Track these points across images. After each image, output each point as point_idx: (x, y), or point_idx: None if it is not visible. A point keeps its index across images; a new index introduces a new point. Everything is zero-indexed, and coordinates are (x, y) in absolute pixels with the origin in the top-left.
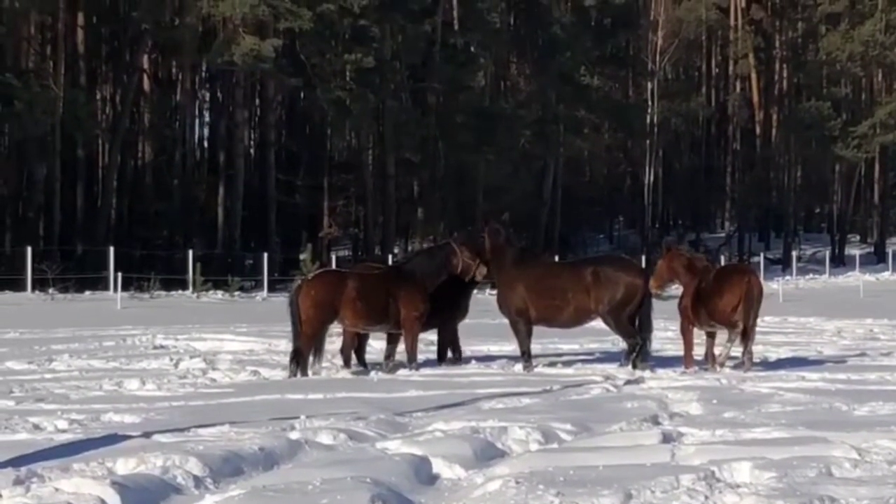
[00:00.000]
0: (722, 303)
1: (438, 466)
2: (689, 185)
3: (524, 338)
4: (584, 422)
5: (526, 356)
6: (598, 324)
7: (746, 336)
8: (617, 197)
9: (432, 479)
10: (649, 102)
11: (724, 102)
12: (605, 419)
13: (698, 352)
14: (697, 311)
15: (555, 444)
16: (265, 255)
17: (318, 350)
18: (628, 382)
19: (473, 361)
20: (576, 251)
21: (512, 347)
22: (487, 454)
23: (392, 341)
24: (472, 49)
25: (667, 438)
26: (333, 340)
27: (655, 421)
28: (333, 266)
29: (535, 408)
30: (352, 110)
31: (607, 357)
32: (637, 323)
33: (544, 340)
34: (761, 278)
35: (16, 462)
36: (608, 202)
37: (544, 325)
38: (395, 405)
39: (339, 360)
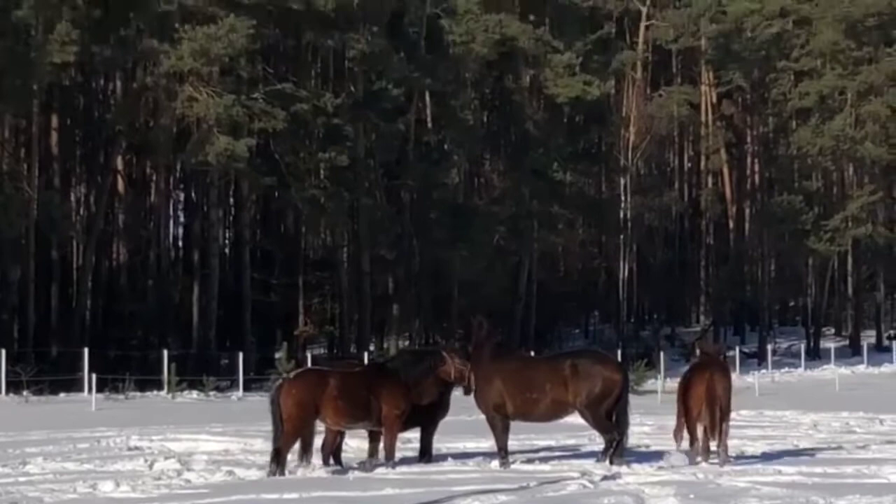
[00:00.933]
0: (688, 397)
1: None
2: (663, 280)
3: (501, 433)
4: None
5: (502, 452)
6: (574, 418)
7: (717, 430)
8: (592, 291)
9: None
10: (623, 197)
11: (697, 197)
12: None
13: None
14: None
15: None
16: (240, 354)
17: (306, 448)
18: (605, 478)
19: (450, 459)
20: (551, 346)
21: (489, 444)
22: None
23: (374, 439)
24: (446, 146)
25: None
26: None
27: None
28: (309, 364)
29: None
30: (326, 208)
31: (584, 453)
32: (614, 418)
33: (521, 436)
34: (735, 371)
35: None
36: (583, 297)
37: (521, 419)
38: None
39: (316, 459)
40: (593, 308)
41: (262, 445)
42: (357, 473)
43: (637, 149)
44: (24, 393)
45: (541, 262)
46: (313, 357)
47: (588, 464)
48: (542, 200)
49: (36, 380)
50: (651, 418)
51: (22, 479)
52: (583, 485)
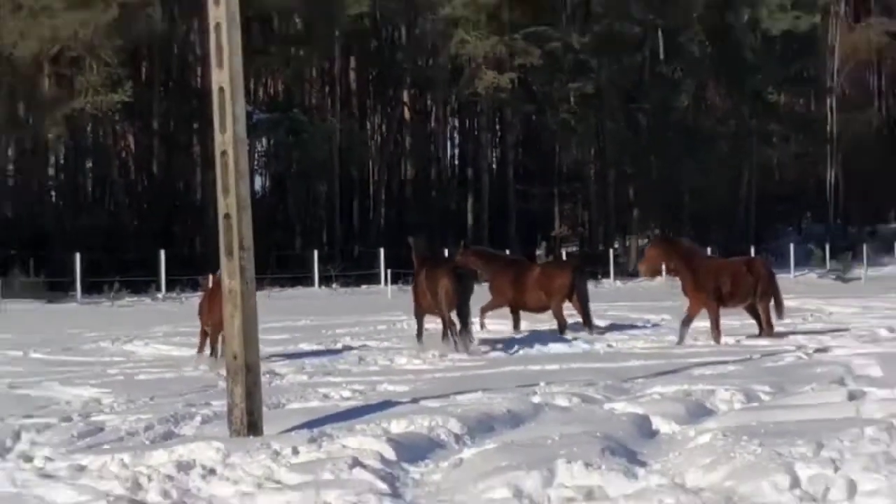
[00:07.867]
0: None
1: (657, 423)
2: (867, 184)
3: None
4: (780, 384)
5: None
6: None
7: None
8: (804, 196)
9: (652, 433)
10: (829, 115)
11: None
12: (798, 381)
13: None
14: None
15: (755, 403)
16: (507, 251)
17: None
18: (817, 351)
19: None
20: (768, 243)
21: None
22: (698, 412)
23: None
24: (676, 75)
25: (852, 396)
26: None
27: (842, 382)
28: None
29: (737, 373)
30: (576, 130)
31: (797, 331)
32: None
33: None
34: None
35: (310, 424)
36: (796, 200)
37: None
38: (620, 373)
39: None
40: (805, 210)
41: (526, 325)
42: (607, 347)
43: (841, 72)
44: (334, 286)
45: (759, 172)
46: (567, 253)
47: (802, 339)
48: (759, 119)
49: (342, 275)
50: (856, 300)
51: (334, 354)
52: (798, 356)
